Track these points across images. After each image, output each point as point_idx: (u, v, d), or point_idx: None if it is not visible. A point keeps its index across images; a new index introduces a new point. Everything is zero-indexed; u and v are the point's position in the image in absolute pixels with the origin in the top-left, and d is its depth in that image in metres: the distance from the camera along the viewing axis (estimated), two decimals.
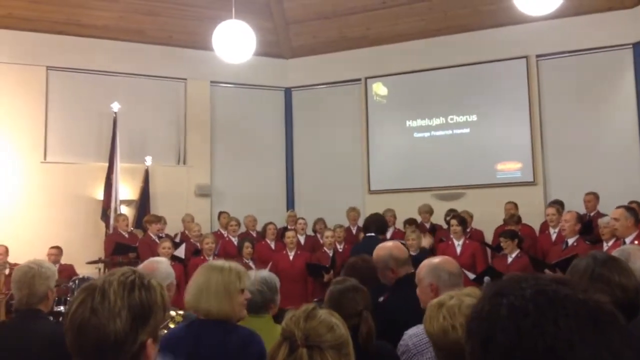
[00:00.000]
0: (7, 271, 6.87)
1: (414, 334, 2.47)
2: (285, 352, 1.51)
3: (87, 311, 1.33)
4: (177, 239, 8.30)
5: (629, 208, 5.34)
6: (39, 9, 8.92)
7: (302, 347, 1.50)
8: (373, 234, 5.53)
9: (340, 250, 7.71)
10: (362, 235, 7.41)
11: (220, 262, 2.57)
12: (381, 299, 3.60)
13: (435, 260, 2.80)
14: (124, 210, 9.09)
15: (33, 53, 9.03)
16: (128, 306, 1.33)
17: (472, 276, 5.95)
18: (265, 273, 3.11)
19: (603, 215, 6.64)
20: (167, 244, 6.98)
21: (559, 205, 7.38)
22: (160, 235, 8.02)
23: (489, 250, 7.61)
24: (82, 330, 1.33)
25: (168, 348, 2.34)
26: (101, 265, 8.06)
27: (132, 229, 8.57)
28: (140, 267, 2.82)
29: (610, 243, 5.54)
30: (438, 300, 1.91)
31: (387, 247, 3.59)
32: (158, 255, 6.33)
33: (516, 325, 0.81)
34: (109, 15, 9.30)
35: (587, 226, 6.59)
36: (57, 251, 7.83)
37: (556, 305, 0.81)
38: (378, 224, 5.62)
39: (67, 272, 7.56)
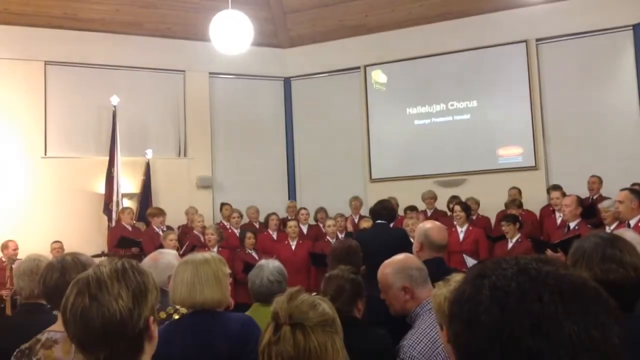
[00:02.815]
0: (14, 265, 6.90)
1: (415, 342, 2.28)
2: (271, 331, 1.55)
3: (86, 299, 1.34)
4: (179, 231, 8.32)
5: (633, 190, 5.32)
6: (36, 3, 8.88)
7: (286, 325, 1.53)
8: (385, 221, 5.45)
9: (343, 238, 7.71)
10: (362, 224, 7.41)
11: (200, 254, 2.61)
12: None
13: (398, 258, 2.60)
14: (126, 203, 9.10)
15: (30, 48, 8.99)
16: (126, 286, 1.36)
17: (471, 262, 5.92)
18: (277, 263, 3.15)
19: (606, 198, 6.62)
20: (173, 235, 7.00)
21: (561, 189, 7.39)
22: (163, 228, 8.04)
23: None
24: (85, 317, 1.33)
25: (168, 341, 2.35)
26: (104, 259, 8.07)
27: (134, 222, 8.58)
28: (147, 258, 2.82)
29: (613, 226, 5.52)
30: (448, 292, 1.84)
31: (424, 227, 3.41)
32: (162, 247, 6.34)
33: (499, 305, 0.79)
34: (106, 9, 9.25)
35: (590, 209, 6.58)
36: (60, 245, 7.88)
37: (539, 282, 0.80)
38: (390, 211, 5.53)
39: None
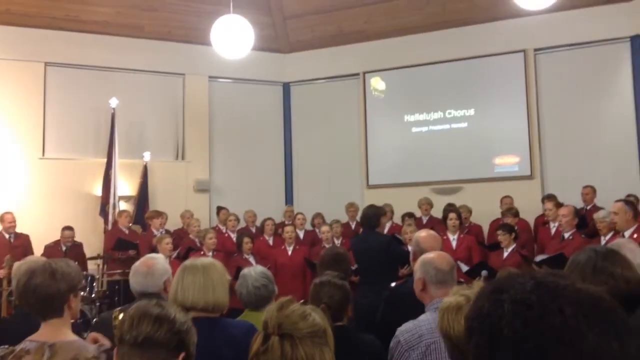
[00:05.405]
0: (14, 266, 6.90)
1: (406, 330, 2.46)
2: (260, 341, 1.55)
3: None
4: (174, 235, 8.30)
5: (627, 202, 5.38)
6: (37, 4, 8.91)
7: (275, 335, 1.53)
8: (369, 229, 5.51)
9: (339, 245, 7.72)
10: (361, 229, 7.45)
11: (206, 259, 2.68)
12: (393, 284, 3.59)
13: (430, 255, 2.77)
14: (123, 206, 9.10)
15: (31, 49, 9.02)
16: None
17: (465, 268, 5.95)
18: (259, 268, 3.17)
19: (600, 208, 6.66)
20: (168, 239, 6.94)
21: (554, 199, 7.41)
22: (162, 230, 8.04)
23: None
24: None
25: None
26: (100, 261, 8.07)
27: (130, 225, 8.56)
28: (137, 263, 2.82)
29: (609, 237, 5.55)
30: (457, 303, 1.83)
31: (418, 236, 3.60)
32: (158, 251, 6.32)
33: (522, 319, 0.81)
34: (107, 11, 9.29)
35: (583, 219, 6.61)
36: (71, 233, 7.91)
37: (558, 295, 0.82)
38: (370, 219, 5.53)
39: None
